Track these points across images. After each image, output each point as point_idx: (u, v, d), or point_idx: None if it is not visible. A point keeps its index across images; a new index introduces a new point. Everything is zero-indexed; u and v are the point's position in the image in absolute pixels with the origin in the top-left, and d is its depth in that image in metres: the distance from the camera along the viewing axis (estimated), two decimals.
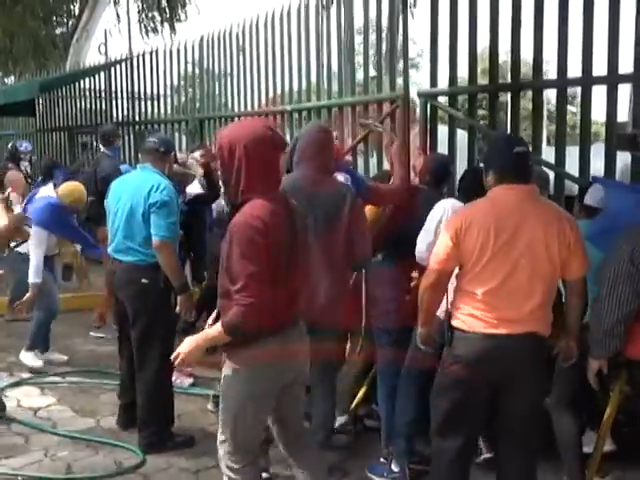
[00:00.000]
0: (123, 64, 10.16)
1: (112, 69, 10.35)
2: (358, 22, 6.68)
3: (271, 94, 7.82)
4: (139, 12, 20.66)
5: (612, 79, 4.84)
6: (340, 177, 4.08)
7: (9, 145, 8.81)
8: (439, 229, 3.41)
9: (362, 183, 4.17)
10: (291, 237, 2.72)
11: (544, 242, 2.97)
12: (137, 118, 10.21)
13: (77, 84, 11.07)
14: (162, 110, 9.83)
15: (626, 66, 4.80)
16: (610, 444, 4.02)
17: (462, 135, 5.75)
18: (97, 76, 10.64)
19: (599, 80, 4.90)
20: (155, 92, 9.81)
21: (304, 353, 2.88)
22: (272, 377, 2.76)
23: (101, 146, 7.02)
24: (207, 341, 2.72)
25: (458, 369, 3.02)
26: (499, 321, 2.97)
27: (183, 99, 9.59)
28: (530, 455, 3.21)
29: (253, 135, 2.67)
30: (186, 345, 2.73)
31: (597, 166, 4.95)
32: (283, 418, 2.95)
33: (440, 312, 3.27)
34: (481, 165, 3.44)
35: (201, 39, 8.71)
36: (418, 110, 6.03)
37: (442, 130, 5.73)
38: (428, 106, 5.75)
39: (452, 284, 3.18)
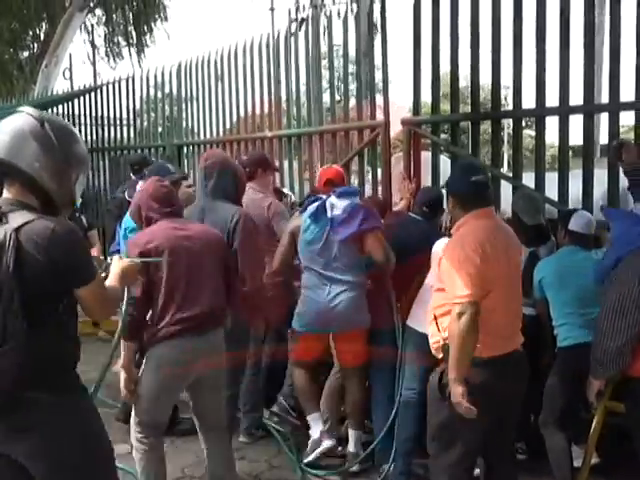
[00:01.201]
0: (100, 89, 10.15)
1: (87, 94, 10.33)
2: (338, 49, 6.84)
3: (250, 121, 7.89)
4: (105, 37, 20.66)
5: (588, 108, 5.10)
6: (341, 203, 4.24)
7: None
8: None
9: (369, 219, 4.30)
10: (188, 256, 3.49)
11: (519, 264, 3.33)
12: (113, 144, 10.20)
13: (53, 109, 11.02)
14: (139, 136, 9.85)
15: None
16: (595, 457, 4.18)
17: (445, 161, 5.93)
18: (73, 101, 10.60)
19: (575, 109, 5.14)
20: (132, 117, 9.83)
21: (205, 359, 3.47)
22: (163, 375, 3.48)
23: (131, 174, 7.32)
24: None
25: (478, 399, 2.97)
26: (505, 340, 3.13)
27: (160, 125, 9.60)
28: (513, 461, 3.52)
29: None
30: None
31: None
32: (199, 413, 3.76)
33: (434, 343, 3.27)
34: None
35: (179, 65, 8.76)
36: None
37: (425, 156, 5.88)
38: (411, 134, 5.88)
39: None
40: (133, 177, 7.18)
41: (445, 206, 3.57)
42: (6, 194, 2.28)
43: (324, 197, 4.39)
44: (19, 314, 2.12)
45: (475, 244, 3.04)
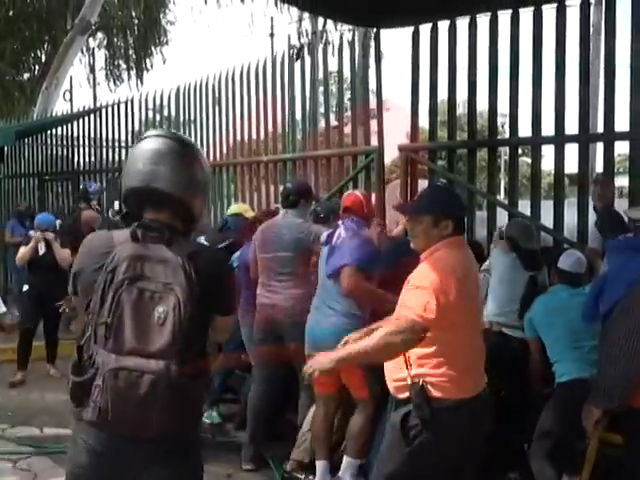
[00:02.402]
0: (100, 112, 10.23)
1: (87, 116, 10.40)
2: (333, 76, 6.93)
3: (247, 145, 7.95)
4: (106, 60, 20.85)
5: (583, 138, 5.15)
6: (344, 233, 4.21)
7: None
8: None
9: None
10: None
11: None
12: (111, 165, 10.24)
13: (51, 131, 11.08)
14: None
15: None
16: None
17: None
18: (73, 123, 10.66)
19: (571, 138, 5.18)
20: (130, 140, 9.89)
21: None
22: None
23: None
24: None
25: (449, 443, 2.79)
26: (473, 380, 2.88)
27: None
28: None
29: None
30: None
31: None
32: None
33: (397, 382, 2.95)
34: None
35: (178, 89, 8.84)
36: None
37: (422, 184, 5.92)
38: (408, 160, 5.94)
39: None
40: (94, 203, 7.18)
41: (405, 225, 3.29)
42: (153, 215, 2.18)
43: (340, 224, 4.37)
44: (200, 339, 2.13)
45: (456, 275, 2.76)
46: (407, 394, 2.80)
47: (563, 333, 4.02)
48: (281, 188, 6.99)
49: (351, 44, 6.49)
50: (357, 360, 2.97)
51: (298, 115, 7.17)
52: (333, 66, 6.69)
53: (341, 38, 6.56)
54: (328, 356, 2.81)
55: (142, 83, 19.90)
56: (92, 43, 20.16)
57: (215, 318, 2.24)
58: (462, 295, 2.72)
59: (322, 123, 7.08)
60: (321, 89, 7.13)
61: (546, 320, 4.12)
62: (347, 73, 6.55)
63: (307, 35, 17.59)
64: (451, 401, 2.75)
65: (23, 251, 6.70)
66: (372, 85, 6.28)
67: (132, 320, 1.99)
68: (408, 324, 2.66)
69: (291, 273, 4.56)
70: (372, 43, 6.38)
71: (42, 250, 6.56)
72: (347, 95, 6.81)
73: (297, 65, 7.02)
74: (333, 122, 7.12)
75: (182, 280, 2.00)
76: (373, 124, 6.35)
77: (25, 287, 6.80)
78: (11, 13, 18.04)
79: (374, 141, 6.35)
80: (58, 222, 7.22)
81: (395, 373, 2.88)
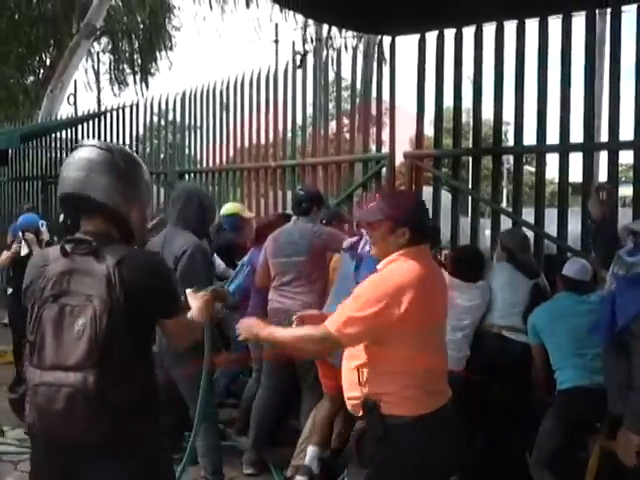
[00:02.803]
0: (104, 115, 10.26)
1: (91, 120, 10.44)
2: (345, 82, 6.95)
3: (254, 150, 7.95)
4: (110, 64, 20.94)
5: (587, 147, 5.17)
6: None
7: None
8: None
9: None
10: None
11: (446, 310, 2.85)
12: None
13: (55, 134, 11.11)
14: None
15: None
16: None
17: (445, 197, 5.98)
18: (77, 127, 10.70)
19: (575, 147, 5.20)
20: (134, 144, 9.91)
21: None
22: None
23: None
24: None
25: (407, 462, 2.63)
26: (432, 394, 2.69)
27: (163, 152, 9.67)
28: None
29: None
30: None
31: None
32: None
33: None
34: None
35: (183, 93, 8.85)
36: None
37: (426, 190, 5.94)
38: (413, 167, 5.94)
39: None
40: None
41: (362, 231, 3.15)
42: (86, 227, 2.25)
43: (364, 233, 4.33)
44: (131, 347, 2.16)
45: (408, 288, 2.56)
46: (361, 412, 2.70)
47: (566, 340, 4.03)
48: (289, 194, 7.02)
49: (365, 51, 6.52)
50: (276, 345, 2.92)
51: (308, 121, 7.17)
52: (343, 72, 6.72)
53: (355, 47, 6.58)
54: (256, 327, 2.78)
55: (147, 88, 19.96)
56: (97, 47, 20.26)
57: (162, 322, 2.30)
58: (414, 309, 2.54)
59: (332, 129, 7.08)
60: (330, 94, 7.15)
61: (549, 327, 4.12)
62: (358, 79, 6.55)
63: (312, 41, 17.66)
64: (407, 418, 2.60)
65: (3, 257, 6.67)
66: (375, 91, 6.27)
67: (52, 337, 2.08)
68: (323, 335, 2.60)
69: (305, 278, 4.52)
70: (385, 50, 6.38)
71: (24, 251, 6.51)
72: (357, 101, 6.78)
73: (308, 70, 7.03)
74: (342, 127, 7.12)
75: (102, 290, 2.07)
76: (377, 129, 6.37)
77: (9, 290, 6.76)
78: (17, 16, 18.12)
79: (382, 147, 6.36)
80: (42, 222, 7.09)
81: (350, 391, 2.76)
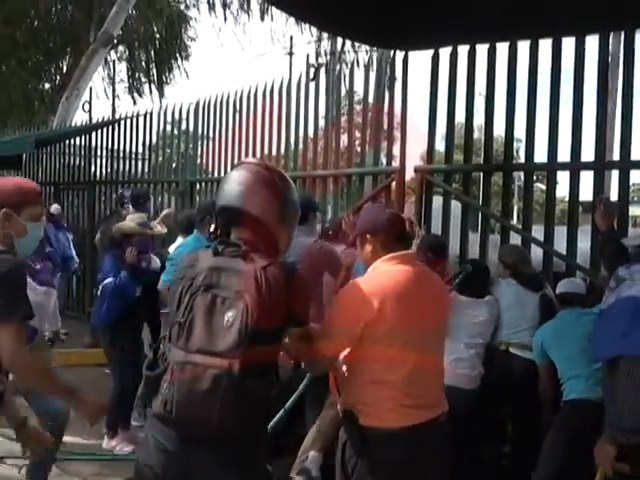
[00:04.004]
0: (118, 123, 10.35)
1: (105, 128, 10.52)
2: (357, 95, 6.96)
3: (265, 161, 7.95)
4: (127, 73, 21.13)
5: (598, 165, 5.17)
6: None
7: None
8: None
9: None
10: None
11: (440, 317, 2.84)
12: (127, 177, 10.33)
13: (69, 141, 11.21)
14: (153, 171, 9.98)
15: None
16: None
17: (455, 206, 5.98)
18: (91, 134, 10.79)
19: (587, 165, 5.20)
20: (147, 152, 9.98)
21: None
22: None
23: (131, 207, 7.25)
24: None
25: (385, 476, 2.58)
26: (416, 406, 2.62)
27: (175, 161, 9.74)
28: None
29: None
30: None
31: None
32: None
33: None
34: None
35: (197, 103, 8.92)
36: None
37: (437, 201, 5.94)
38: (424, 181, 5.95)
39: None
40: (130, 209, 7.17)
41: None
42: (236, 235, 2.39)
43: None
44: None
45: (380, 296, 2.57)
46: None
47: (575, 351, 4.02)
48: None
49: (378, 65, 6.55)
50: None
51: (320, 133, 7.20)
52: (356, 85, 6.74)
53: (368, 61, 6.62)
54: None
55: (163, 96, 20.11)
56: (113, 56, 20.45)
57: (290, 330, 2.40)
58: (387, 317, 2.55)
59: (343, 141, 7.10)
60: (343, 107, 7.17)
61: (556, 342, 4.13)
62: (370, 92, 6.58)
63: (326, 54, 17.76)
64: (386, 430, 2.57)
65: None
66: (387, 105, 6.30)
67: (203, 322, 2.18)
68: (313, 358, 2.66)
69: None
70: (397, 65, 6.41)
71: None
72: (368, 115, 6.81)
73: (321, 83, 7.08)
74: (353, 140, 7.15)
75: (252, 289, 2.17)
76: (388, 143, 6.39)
77: None
78: (36, 24, 18.35)
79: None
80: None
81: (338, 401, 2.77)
